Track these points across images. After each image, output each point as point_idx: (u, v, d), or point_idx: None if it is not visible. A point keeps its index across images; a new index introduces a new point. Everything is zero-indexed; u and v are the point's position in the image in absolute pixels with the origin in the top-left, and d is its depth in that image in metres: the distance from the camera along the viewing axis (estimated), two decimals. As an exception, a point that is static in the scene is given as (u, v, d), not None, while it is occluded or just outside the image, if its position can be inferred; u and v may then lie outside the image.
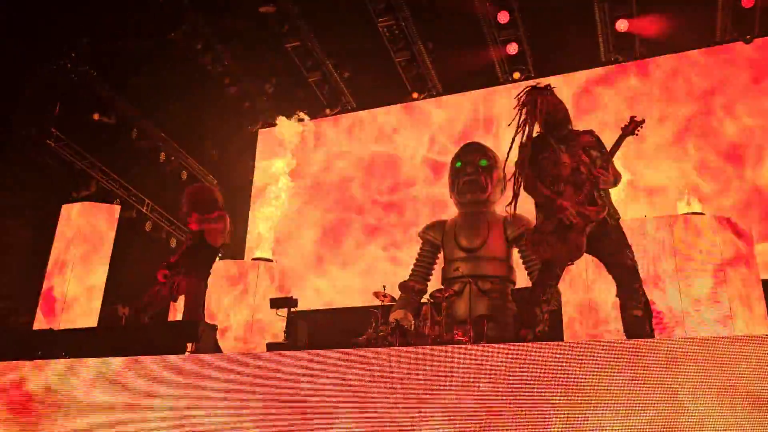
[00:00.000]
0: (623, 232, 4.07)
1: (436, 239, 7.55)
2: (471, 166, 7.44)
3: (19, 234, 9.00)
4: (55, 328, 6.34)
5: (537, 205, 4.16)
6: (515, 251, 7.29)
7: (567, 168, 4.03)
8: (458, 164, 7.60)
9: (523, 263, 7.12)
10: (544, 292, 4.03)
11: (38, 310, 7.79)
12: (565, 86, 8.74)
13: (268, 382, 3.26)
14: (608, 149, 4.12)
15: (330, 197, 10.48)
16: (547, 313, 4.03)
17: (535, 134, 4.23)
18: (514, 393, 2.97)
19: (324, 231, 10.26)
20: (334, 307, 9.29)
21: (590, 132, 4.27)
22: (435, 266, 7.62)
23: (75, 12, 9.06)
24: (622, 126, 4.10)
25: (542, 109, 4.14)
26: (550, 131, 4.21)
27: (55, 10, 8.85)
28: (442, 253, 7.53)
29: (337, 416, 3.06)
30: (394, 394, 3.02)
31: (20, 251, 9.01)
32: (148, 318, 4.95)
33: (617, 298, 3.93)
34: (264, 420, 3.18)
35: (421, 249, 7.71)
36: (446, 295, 6.11)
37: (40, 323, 7.59)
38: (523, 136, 4.20)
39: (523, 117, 4.22)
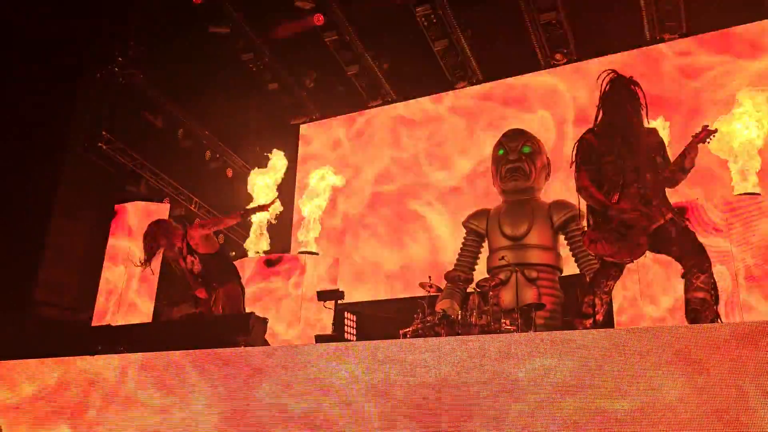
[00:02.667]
0: (685, 221, 3.98)
1: (480, 228, 7.50)
2: (514, 153, 7.37)
3: (76, 234, 9.33)
4: (113, 324, 6.58)
5: (588, 207, 4.07)
6: (561, 238, 7.19)
7: (630, 173, 3.90)
8: (501, 151, 7.52)
9: (571, 250, 7.02)
10: (605, 284, 3.97)
11: (96, 307, 8.08)
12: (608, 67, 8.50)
13: (320, 374, 3.31)
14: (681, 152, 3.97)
15: (373, 190, 10.51)
16: (606, 305, 3.97)
17: (598, 126, 4.11)
18: (566, 383, 2.94)
19: (370, 223, 10.29)
20: (381, 298, 9.32)
21: (654, 132, 4.13)
22: (480, 255, 7.58)
23: (120, 16, 9.32)
24: (693, 134, 3.98)
25: (622, 103, 4.00)
26: (619, 129, 4.05)
27: (100, 15, 9.11)
28: (486, 242, 7.48)
29: (395, 413, 3.08)
30: (447, 383, 3.02)
31: (77, 250, 9.34)
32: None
33: (683, 279, 3.84)
34: (317, 412, 3.22)
35: (465, 238, 7.68)
36: (492, 284, 6.08)
37: (98, 320, 7.87)
38: (595, 124, 4.10)
39: (602, 105, 4.10)
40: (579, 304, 4.04)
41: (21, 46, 8.70)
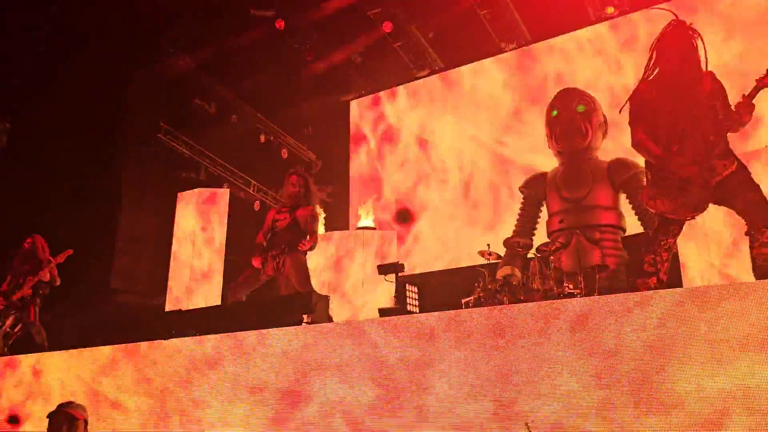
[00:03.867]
0: (749, 173, 3.74)
1: (537, 192, 7.36)
2: (568, 113, 7.15)
3: (144, 223, 9.69)
4: (184, 309, 6.83)
5: (646, 163, 3.89)
6: (623, 197, 6.97)
7: (688, 124, 3.68)
8: (554, 113, 7.31)
9: (633, 209, 6.80)
10: (665, 241, 3.81)
11: (167, 292, 8.40)
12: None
13: (386, 348, 3.34)
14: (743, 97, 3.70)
15: (430, 161, 10.43)
16: (667, 262, 3.81)
17: (653, 76, 3.91)
18: (635, 345, 2.87)
19: (425, 194, 10.23)
20: (441, 269, 9.30)
21: (712, 76, 3.87)
22: (539, 220, 7.44)
23: (167, 6, 9.46)
24: (758, 78, 3.69)
25: (675, 49, 3.78)
26: (672, 77, 3.83)
27: (148, 5, 9.27)
28: (544, 206, 7.33)
29: (463, 374, 3.09)
30: (515, 349, 2.99)
31: (146, 239, 9.71)
32: (245, 297, 5.32)
33: (747, 236, 3.66)
34: (387, 384, 3.26)
35: (522, 204, 7.55)
36: (553, 248, 5.96)
37: (170, 305, 8.18)
38: (648, 74, 3.90)
39: (656, 54, 3.90)
40: (640, 264, 3.91)
41: (72, 45, 8.98)
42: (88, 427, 2.98)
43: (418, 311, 6.27)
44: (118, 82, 9.53)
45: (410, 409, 3.15)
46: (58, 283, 6.43)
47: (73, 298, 8.09)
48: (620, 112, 3.92)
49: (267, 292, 6.12)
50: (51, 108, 9.40)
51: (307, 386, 3.52)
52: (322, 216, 9.06)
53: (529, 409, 2.86)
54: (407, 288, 6.41)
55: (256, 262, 5.44)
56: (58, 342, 6.23)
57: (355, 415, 3.28)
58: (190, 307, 7.29)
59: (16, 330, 6.30)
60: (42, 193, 9.12)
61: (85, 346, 4.77)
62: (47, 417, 2.91)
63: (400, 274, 6.46)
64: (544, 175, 7.38)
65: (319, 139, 12.04)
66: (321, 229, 9.02)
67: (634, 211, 6.78)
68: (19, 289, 6.25)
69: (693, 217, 3.81)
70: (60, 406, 2.95)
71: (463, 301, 5.81)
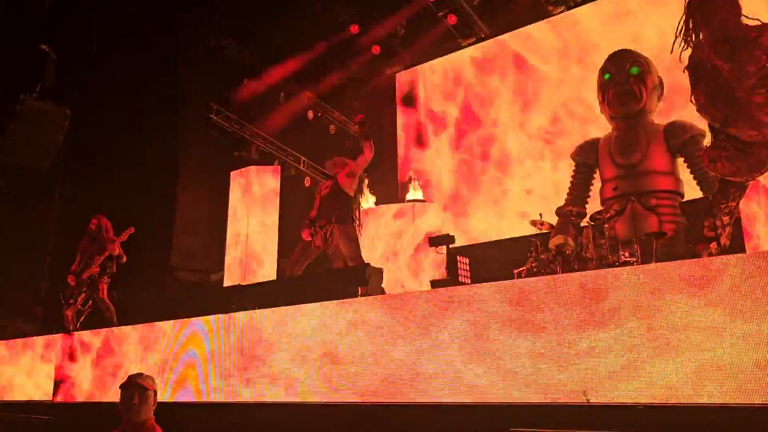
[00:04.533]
0: None
1: (589, 159, 7.16)
2: (621, 75, 6.89)
3: (200, 203, 9.96)
4: (243, 284, 7.01)
5: (709, 126, 3.73)
6: (681, 161, 6.72)
7: (747, 82, 3.49)
8: (606, 76, 7.06)
9: (692, 173, 6.55)
10: (725, 205, 3.66)
11: (225, 268, 8.64)
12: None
13: (445, 316, 3.35)
14: None
15: (476, 132, 10.30)
16: (729, 227, 3.67)
17: (704, 39, 3.73)
18: (698, 312, 2.79)
19: (477, 165, 10.13)
20: (492, 239, 9.22)
21: (763, 29, 3.65)
22: (592, 187, 7.27)
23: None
24: None
25: (718, 7, 3.60)
26: (721, 36, 3.64)
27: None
28: (597, 173, 7.15)
29: (514, 341, 3.08)
30: (567, 316, 2.96)
31: (202, 218, 9.99)
32: (302, 271, 5.39)
33: None
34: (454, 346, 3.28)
35: (574, 171, 7.37)
36: (607, 216, 5.82)
37: (229, 280, 8.42)
38: (691, 40, 3.73)
39: (689, 19, 3.73)
40: (699, 229, 3.78)
41: (124, 31, 9.21)
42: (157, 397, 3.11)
43: (469, 282, 6.25)
44: (170, 65, 9.74)
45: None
46: (124, 260, 6.66)
47: (137, 276, 8.42)
48: (684, 71, 3.75)
49: (320, 266, 6.21)
50: (107, 93, 9.70)
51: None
52: (367, 189, 9.08)
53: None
54: (458, 259, 6.39)
55: (305, 234, 5.48)
56: (126, 318, 6.51)
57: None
58: (248, 283, 7.47)
59: (87, 307, 6.59)
60: (103, 176, 9.46)
61: (150, 321, 4.96)
62: (119, 388, 3.04)
63: (450, 246, 6.45)
64: (596, 141, 7.17)
65: (366, 113, 12.03)
66: (370, 200, 9.07)
67: (692, 176, 6.54)
68: (87, 268, 6.52)
69: (754, 179, 3.66)
70: (130, 377, 3.07)
71: (515, 271, 5.76)
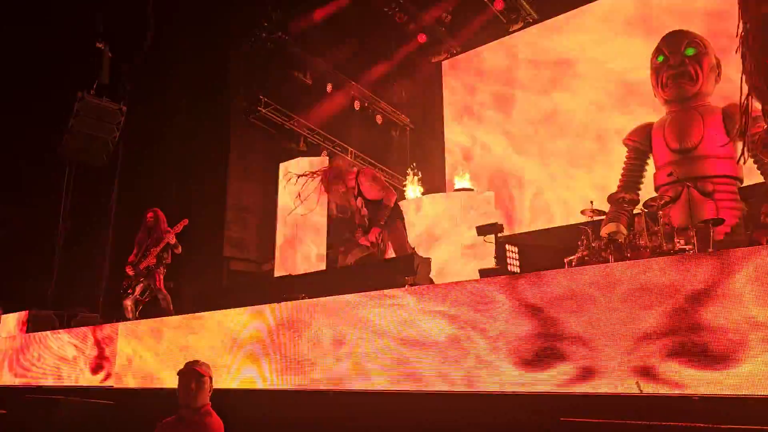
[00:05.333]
0: None
1: (642, 144, 7.00)
2: (676, 57, 6.70)
3: (250, 194, 10.15)
4: (293, 274, 7.13)
5: (763, 111, 3.58)
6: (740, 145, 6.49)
7: None
8: (660, 58, 6.88)
9: (752, 157, 6.32)
10: None
11: (276, 258, 8.81)
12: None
13: (498, 307, 3.34)
14: None
15: (526, 119, 10.16)
16: None
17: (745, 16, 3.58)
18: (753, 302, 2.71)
19: (526, 153, 10.00)
20: (543, 228, 9.12)
21: None
22: (645, 174, 7.10)
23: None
24: None
25: None
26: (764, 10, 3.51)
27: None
28: (651, 158, 6.98)
29: (566, 329, 3.06)
30: (618, 308, 2.92)
31: (253, 209, 10.19)
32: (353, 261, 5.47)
33: None
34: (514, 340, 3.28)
35: (627, 157, 7.22)
36: (662, 202, 5.68)
37: (279, 270, 8.58)
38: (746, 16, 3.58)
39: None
40: (757, 215, 3.65)
41: (175, 28, 9.44)
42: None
43: (519, 271, 6.21)
44: (219, 59, 9.94)
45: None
46: (179, 250, 6.84)
47: (192, 267, 8.67)
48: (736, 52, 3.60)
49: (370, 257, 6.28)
50: (160, 88, 9.98)
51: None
52: (415, 178, 9.08)
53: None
54: (507, 248, 6.35)
55: (363, 241, 5.58)
56: (182, 306, 6.72)
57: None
58: (298, 273, 7.60)
59: (144, 297, 6.83)
60: (158, 170, 9.76)
61: (205, 311, 5.11)
62: (177, 374, 3.15)
63: (499, 235, 6.41)
64: (649, 125, 7.00)
65: (413, 102, 12.02)
66: (418, 190, 9.08)
67: (753, 160, 6.31)
68: (144, 259, 6.74)
69: None
70: (188, 364, 3.18)
71: (566, 260, 5.69)
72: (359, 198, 5.58)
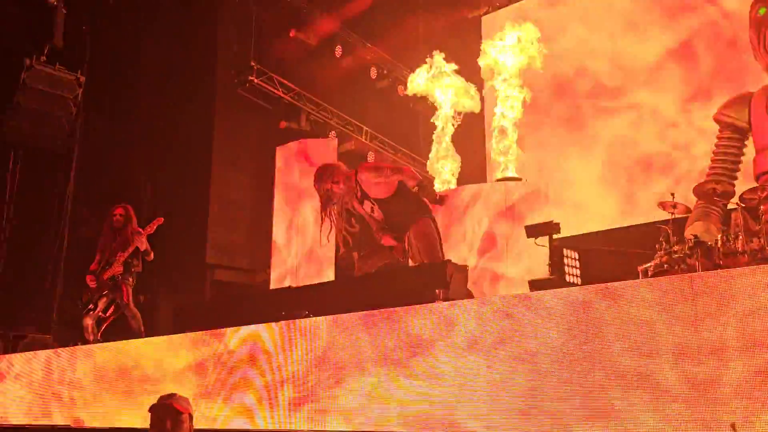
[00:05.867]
0: None
1: (740, 120, 6.91)
2: (782, 10, 6.61)
3: (239, 185, 10.20)
4: (294, 286, 7.15)
5: None
6: None
7: None
8: (761, 11, 6.79)
9: None
10: None
11: (272, 266, 8.83)
12: None
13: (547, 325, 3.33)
14: None
15: (571, 91, 10.07)
16: None
17: None
18: None
19: (587, 130, 9.91)
20: (609, 227, 9.04)
21: None
22: (742, 158, 7.02)
23: None
24: None
25: None
26: None
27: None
28: (750, 139, 6.89)
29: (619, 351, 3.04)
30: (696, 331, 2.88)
31: (242, 204, 10.23)
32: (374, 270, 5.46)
33: None
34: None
35: (719, 137, 7.13)
36: (764, 195, 5.60)
37: (277, 281, 8.60)
38: None
39: None
40: None
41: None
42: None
43: (579, 282, 6.17)
44: (202, 17, 9.97)
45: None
46: (152, 257, 6.86)
47: (167, 277, 8.74)
48: None
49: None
50: (128, 55, 10.04)
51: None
52: (454, 165, 9.06)
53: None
54: (565, 254, 6.31)
55: (387, 241, 5.58)
56: (155, 326, 6.76)
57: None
58: (301, 284, 7.61)
59: (109, 314, 6.88)
60: (125, 156, 9.83)
61: (185, 331, 5.14)
62: (149, 410, 3.16)
63: (555, 236, 6.37)
64: (748, 96, 6.91)
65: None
66: (450, 181, 9.05)
67: None
68: (109, 267, 6.78)
69: None
70: (162, 398, 3.18)
71: (639, 269, 5.65)
72: (365, 201, 5.56)
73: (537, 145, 10.03)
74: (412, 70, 11.69)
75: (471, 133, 10.83)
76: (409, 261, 5.73)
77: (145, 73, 10.08)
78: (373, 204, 5.52)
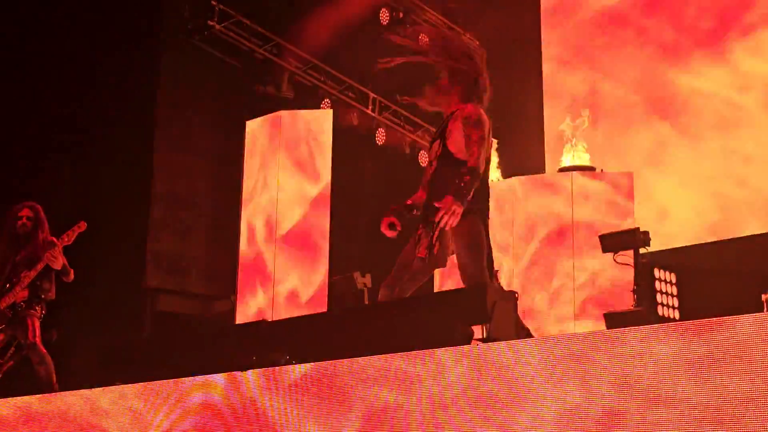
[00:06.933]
0: None
1: None
2: None
3: (197, 175, 10.17)
4: (268, 319, 7.11)
5: None
6: None
7: None
8: None
9: None
10: None
11: (239, 291, 8.79)
12: None
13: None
14: None
15: (679, 50, 10.05)
16: None
17: None
18: None
19: (675, 108, 9.90)
20: (717, 239, 9.00)
21: None
22: None
23: None
24: None
25: None
26: None
27: None
28: None
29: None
30: None
31: (200, 203, 10.21)
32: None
33: None
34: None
35: None
36: None
37: (243, 313, 8.57)
38: None
39: None
40: None
41: None
42: None
43: (677, 317, 6.13)
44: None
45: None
46: (71, 277, 6.82)
47: (90, 306, 8.70)
48: None
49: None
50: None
51: None
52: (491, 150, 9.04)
53: None
54: (657, 275, 6.27)
55: (384, 227, 5.35)
56: (71, 375, 6.73)
57: None
58: (279, 317, 7.58)
59: (7, 357, 6.85)
60: (33, 135, 9.81)
61: (111, 383, 5.11)
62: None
63: (641, 251, 6.33)
64: None
65: (487, 15, 11.95)
66: (493, 172, 9.01)
67: None
68: (8, 292, 6.75)
69: None
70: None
71: (764, 297, 5.60)
72: (437, 141, 5.34)
73: (621, 125, 10.01)
74: (441, 14, 11.69)
75: (523, 105, 10.82)
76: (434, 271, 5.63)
77: (60, 18, 10.05)
78: (441, 156, 5.27)
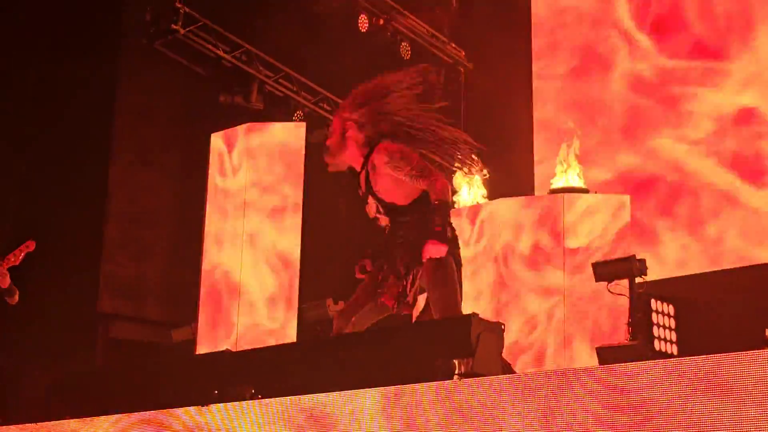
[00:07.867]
0: None
1: None
2: None
3: (154, 192, 10.17)
4: (233, 349, 7.10)
5: None
6: None
7: None
8: None
9: None
10: None
11: (200, 317, 8.79)
12: None
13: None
14: None
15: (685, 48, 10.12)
16: None
17: None
18: None
19: (679, 114, 9.96)
20: (721, 267, 9.04)
21: None
22: None
23: None
24: None
25: None
26: None
27: None
28: None
29: None
30: None
31: (160, 221, 10.20)
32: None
33: None
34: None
35: None
36: None
37: (206, 341, 8.56)
38: None
39: None
40: None
41: None
42: None
43: (675, 353, 6.17)
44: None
45: None
46: (15, 299, 6.80)
47: (37, 333, 8.65)
48: None
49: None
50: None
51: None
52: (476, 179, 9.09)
53: None
54: (654, 306, 6.31)
55: (358, 270, 5.46)
56: (16, 408, 6.70)
57: None
58: (244, 347, 7.57)
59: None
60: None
61: (60, 417, 5.09)
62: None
63: (638, 280, 6.37)
64: None
65: (473, 20, 12.02)
66: (477, 192, 9.05)
67: None
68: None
69: None
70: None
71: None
72: (369, 197, 5.47)
73: (617, 138, 10.07)
74: (422, 22, 11.75)
75: (510, 115, 10.86)
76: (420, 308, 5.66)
77: (11, 17, 10.04)
78: (380, 206, 5.39)
